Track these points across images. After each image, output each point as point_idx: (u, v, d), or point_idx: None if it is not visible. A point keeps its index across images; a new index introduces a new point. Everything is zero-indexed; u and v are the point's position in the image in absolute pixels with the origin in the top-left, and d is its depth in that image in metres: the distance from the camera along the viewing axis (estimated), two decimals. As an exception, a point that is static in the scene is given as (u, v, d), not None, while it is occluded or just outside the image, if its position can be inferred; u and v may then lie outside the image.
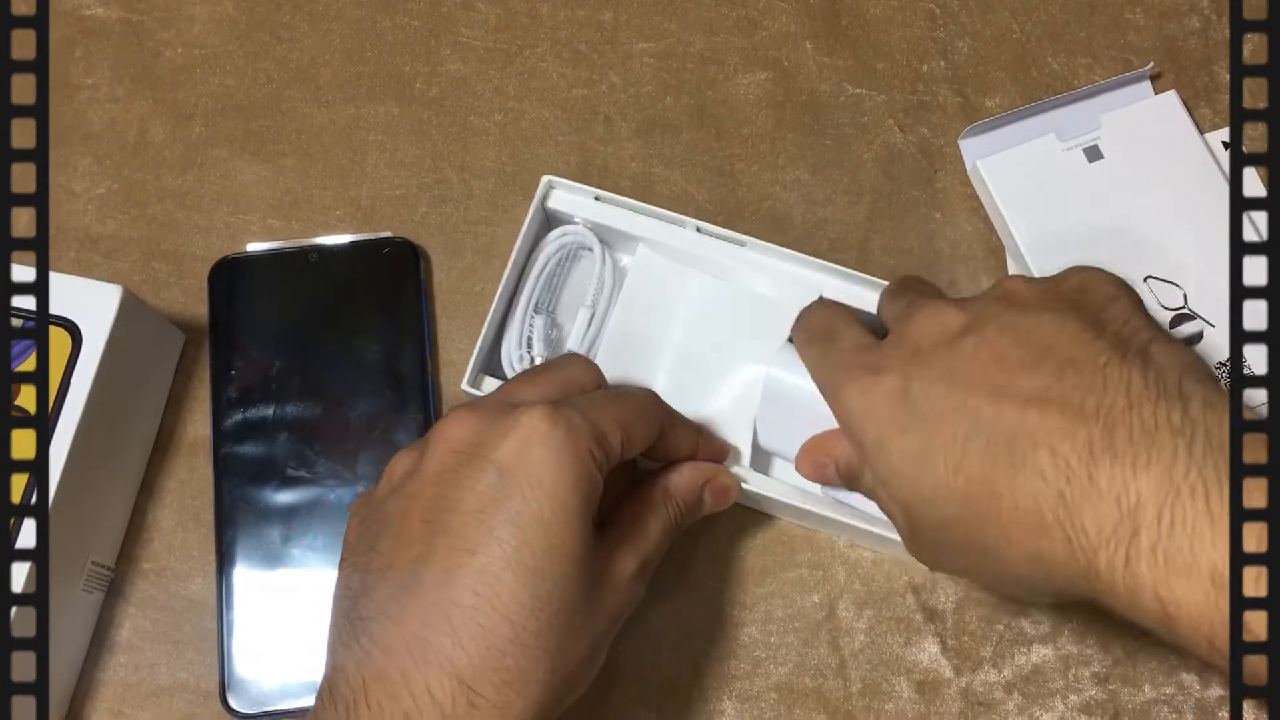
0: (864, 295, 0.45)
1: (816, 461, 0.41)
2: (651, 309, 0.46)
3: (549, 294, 0.47)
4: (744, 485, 0.43)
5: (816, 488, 0.43)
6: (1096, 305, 0.34)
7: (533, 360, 0.45)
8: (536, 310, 0.46)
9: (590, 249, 0.46)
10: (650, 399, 0.39)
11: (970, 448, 0.32)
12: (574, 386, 0.38)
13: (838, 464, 0.40)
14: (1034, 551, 0.31)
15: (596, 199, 0.46)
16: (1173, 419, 0.29)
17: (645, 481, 0.40)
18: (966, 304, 0.36)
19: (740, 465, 0.44)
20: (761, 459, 0.45)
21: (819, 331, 0.41)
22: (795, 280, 0.45)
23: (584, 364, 0.40)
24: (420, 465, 0.35)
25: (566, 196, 0.47)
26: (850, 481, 0.40)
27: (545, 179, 0.46)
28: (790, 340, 0.44)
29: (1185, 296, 0.47)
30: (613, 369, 0.43)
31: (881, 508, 0.38)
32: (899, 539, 0.38)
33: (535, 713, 0.32)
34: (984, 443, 0.32)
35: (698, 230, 0.46)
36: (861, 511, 0.43)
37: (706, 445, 0.42)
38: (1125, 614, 0.30)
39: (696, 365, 0.45)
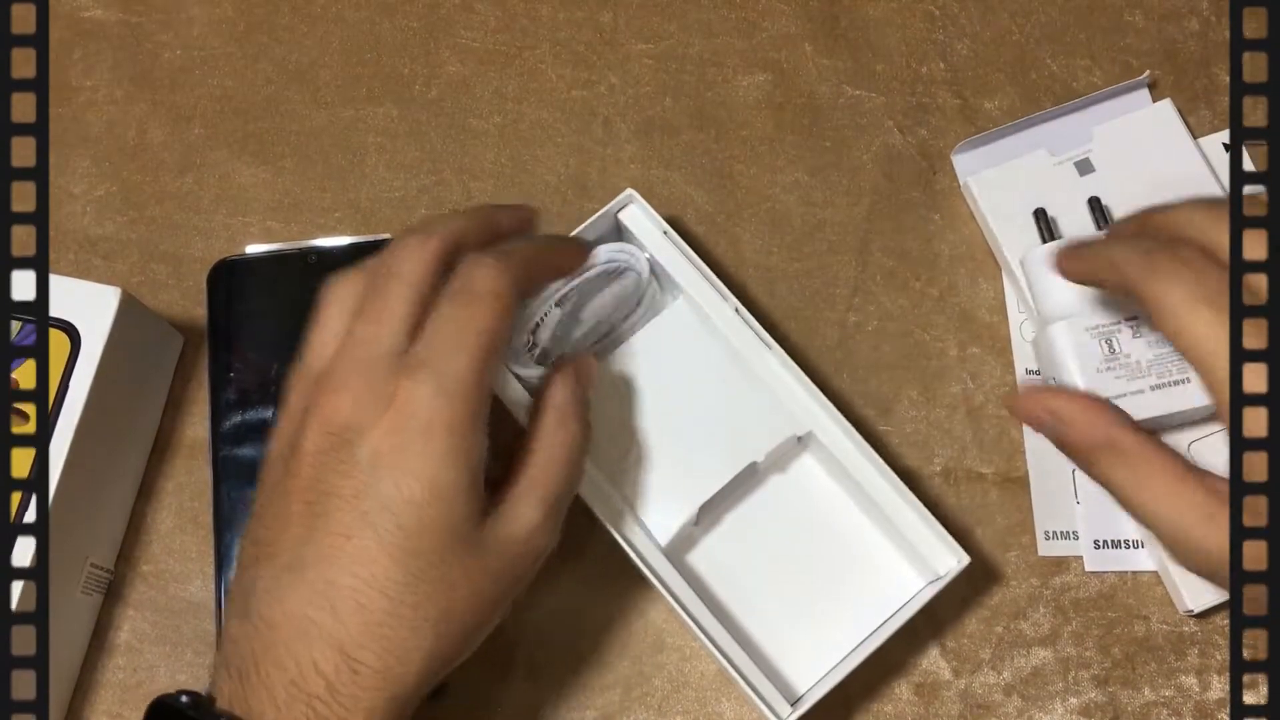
0: (845, 445, 0.43)
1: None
2: (661, 359, 0.46)
3: (578, 296, 0.46)
4: (657, 576, 0.42)
5: (742, 599, 0.44)
6: None
7: (534, 348, 0.45)
8: (559, 304, 0.46)
9: (640, 274, 0.45)
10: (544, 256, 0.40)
11: None
12: (467, 248, 0.37)
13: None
14: None
15: (664, 234, 0.45)
16: None
17: (536, 411, 0.39)
18: None
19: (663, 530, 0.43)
20: (679, 548, 0.44)
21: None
22: (790, 407, 0.44)
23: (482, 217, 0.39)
24: (299, 441, 0.34)
25: (638, 216, 0.45)
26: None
27: (628, 191, 0.45)
28: None
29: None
30: (596, 400, 0.42)
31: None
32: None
33: (417, 676, 0.33)
34: None
35: (735, 311, 0.44)
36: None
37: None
38: None
39: (673, 429, 0.44)
